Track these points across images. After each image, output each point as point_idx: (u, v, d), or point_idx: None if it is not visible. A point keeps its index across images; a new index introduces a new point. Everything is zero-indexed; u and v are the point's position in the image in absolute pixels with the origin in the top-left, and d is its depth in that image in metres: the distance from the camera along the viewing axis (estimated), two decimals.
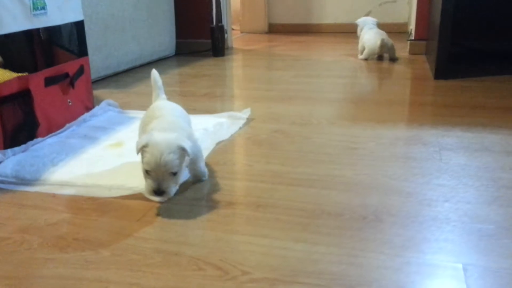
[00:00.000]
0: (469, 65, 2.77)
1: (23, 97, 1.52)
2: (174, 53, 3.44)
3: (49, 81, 1.63)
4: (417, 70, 2.72)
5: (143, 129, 1.27)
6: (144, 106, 1.29)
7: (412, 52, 3.18)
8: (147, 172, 1.06)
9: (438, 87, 2.30)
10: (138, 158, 1.15)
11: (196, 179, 1.28)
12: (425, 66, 2.78)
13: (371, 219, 1.07)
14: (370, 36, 2.97)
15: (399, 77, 2.61)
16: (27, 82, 1.53)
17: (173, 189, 1.09)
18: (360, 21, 3.14)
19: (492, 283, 0.84)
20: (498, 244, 0.96)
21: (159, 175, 1.05)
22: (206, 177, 1.29)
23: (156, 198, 1.12)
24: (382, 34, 2.93)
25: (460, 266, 0.89)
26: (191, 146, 1.12)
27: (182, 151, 1.08)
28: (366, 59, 3.02)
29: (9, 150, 1.44)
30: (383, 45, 2.88)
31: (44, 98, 1.61)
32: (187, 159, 1.14)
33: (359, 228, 1.03)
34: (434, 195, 1.18)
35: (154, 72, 1.41)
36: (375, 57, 3.00)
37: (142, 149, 1.07)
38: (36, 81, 1.57)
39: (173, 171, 1.06)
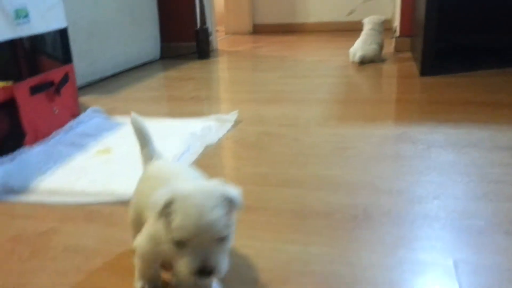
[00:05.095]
0: (454, 61, 2.79)
1: (9, 106, 1.50)
2: (159, 57, 3.43)
3: (34, 90, 1.61)
4: (403, 68, 2.74)
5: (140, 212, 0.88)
6: (130, 112, 1.20)
7: (397, 49, 3.20)
8: (179, 245, 0.67)
9: (425, 84, 2.32)
10: (127, 163, 1.14)
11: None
12: (411, 63, 2.80)
13: (362, 218, 1.07)
14: (356, 43, 2.92)
15: (385, 75, 2.62)
16: (12, 92, 1.51)
17: (224, 263, 0.69)
18: (365, 20, 3.00)
19: (483, 279, 0.85)
20: (488, 240, 0.97)
21: (202, 244, 0.67)
22: None
23: (201, 281, 0.78)
24: (365, 44, 2.85)
25: (451, 263, 0.90)
26: (238, 194, 0.72)
27: (230, 202, 0.70)
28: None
29: None
30: (361, 61, 2.85)
31: (30, 107, 1.59)
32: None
33: (350, 227, 1.04)
34: (424, 193, 1.18)
35: (135, 117, 0.97)
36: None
37: (164, 210, 0.68)
38: (21, 90, 1.56)
39: (222, 235, 0.67)
